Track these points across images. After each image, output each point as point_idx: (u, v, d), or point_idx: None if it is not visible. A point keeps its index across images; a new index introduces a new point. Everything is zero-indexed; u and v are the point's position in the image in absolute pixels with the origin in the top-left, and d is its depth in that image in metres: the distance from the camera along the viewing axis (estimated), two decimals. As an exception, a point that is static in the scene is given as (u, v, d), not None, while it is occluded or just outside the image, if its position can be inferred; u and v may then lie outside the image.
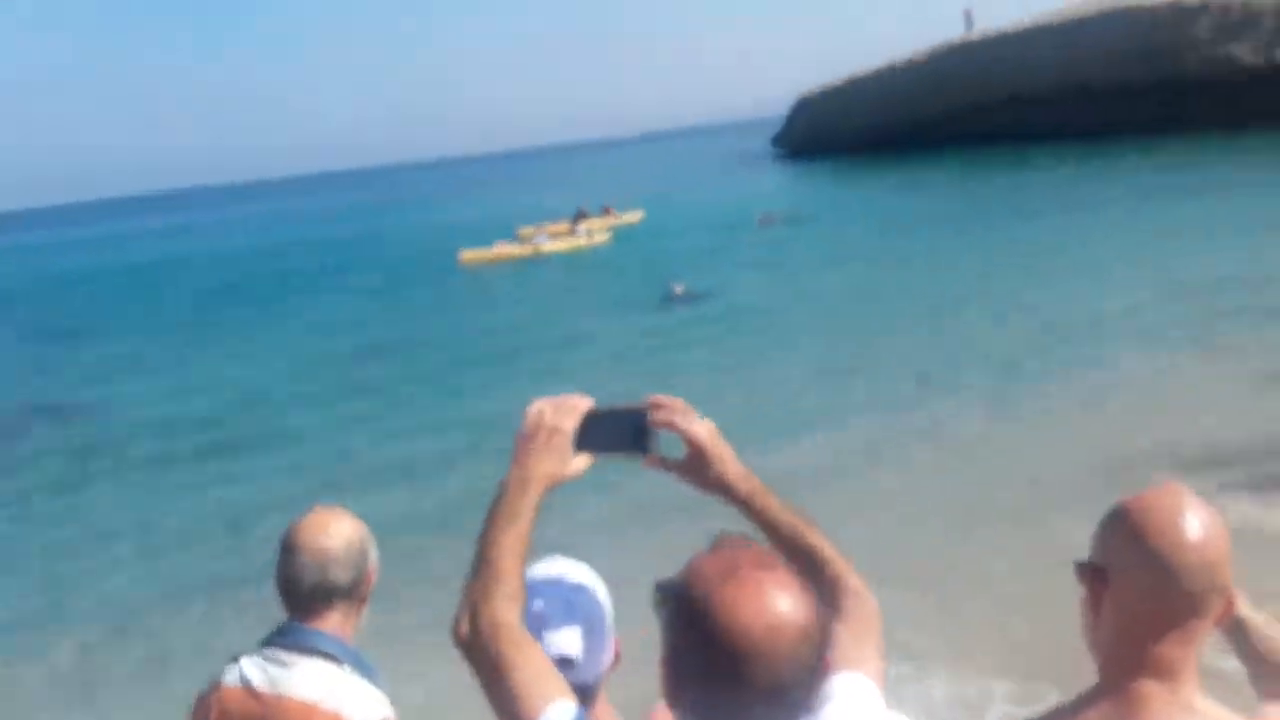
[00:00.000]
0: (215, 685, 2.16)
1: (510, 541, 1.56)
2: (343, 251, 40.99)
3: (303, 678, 2.09)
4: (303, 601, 2.14)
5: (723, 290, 20.05)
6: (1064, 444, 9.19)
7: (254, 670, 2.12)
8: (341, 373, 16.80)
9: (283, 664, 2.11)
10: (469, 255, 30.81)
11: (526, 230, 33.50)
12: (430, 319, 21.45)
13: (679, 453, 1.68)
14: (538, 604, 1.69)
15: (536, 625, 1.65)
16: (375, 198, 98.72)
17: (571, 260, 30.03)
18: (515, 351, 16.73)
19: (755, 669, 1.23)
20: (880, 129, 55.84)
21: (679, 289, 19.89)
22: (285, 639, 2.14)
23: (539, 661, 1.47)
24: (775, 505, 1.65)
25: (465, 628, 1.51)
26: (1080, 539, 1.59)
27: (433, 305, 23.65)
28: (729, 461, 1.66)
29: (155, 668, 7.20)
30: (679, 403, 1.68)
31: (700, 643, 1.26)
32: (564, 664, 1.64)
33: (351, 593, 2.16)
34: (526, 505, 1.59)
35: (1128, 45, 43.74)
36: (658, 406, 1.67)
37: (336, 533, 2.16)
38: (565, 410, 1.67)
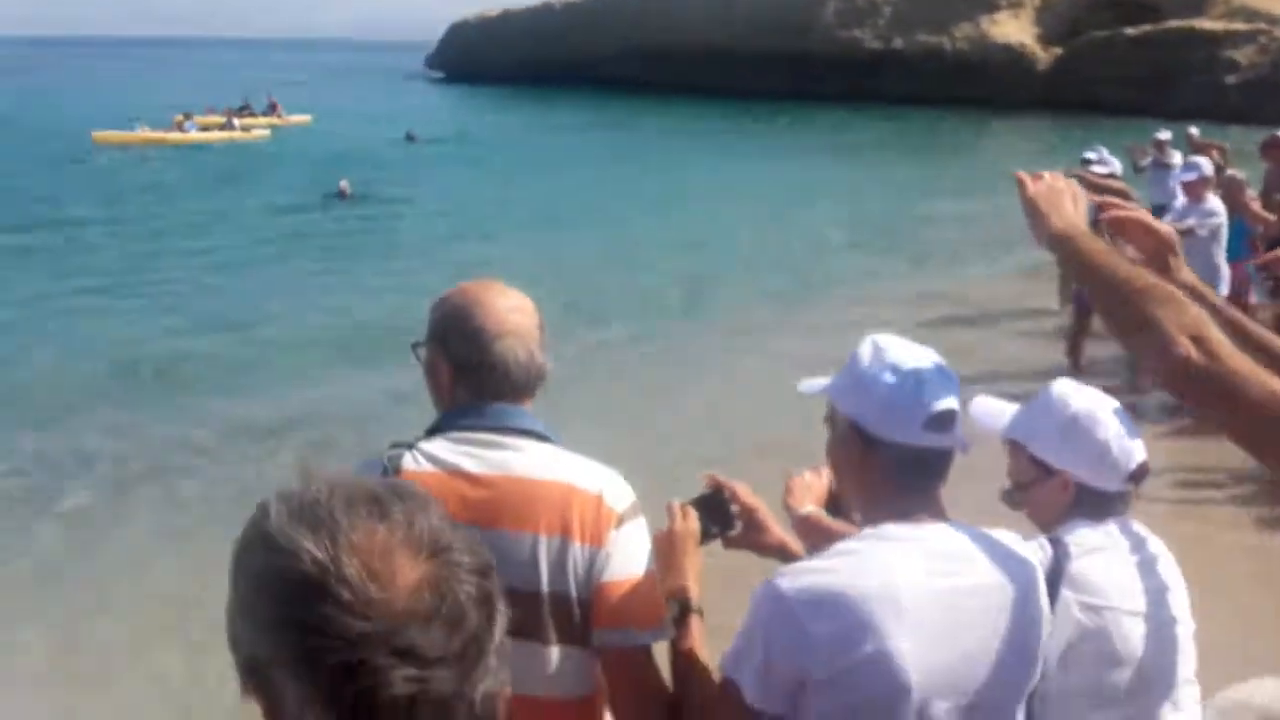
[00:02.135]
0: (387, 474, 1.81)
1: None
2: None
3: (538, 458, 1.84)
4: (505, 385, 1.89)
5: (384, 195, 20.71)
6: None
7: (455, 455, 1.83)
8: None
9: (502, 445, 1.84)
10: (103, 136, 28.73)
11: (178, 118, 31.72)
12: (50, 202, 19.63)
13: None
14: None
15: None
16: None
17: (226, 151, 28.90)
18: (154, 234, 16.55)
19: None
20: (532, 64, 58.02)
21: (345, 187, 20.21)
22: (491, 421, 1.88)
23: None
24: None
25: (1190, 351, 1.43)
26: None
27: (56, 187, 21.58)
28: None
29: None
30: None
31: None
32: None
33: (545, 379, 1.96)
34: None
35: (769, 18, 48.64)
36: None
37: (530, 311, 1.96)
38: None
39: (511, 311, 1.92)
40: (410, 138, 31.70)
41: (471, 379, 1.90)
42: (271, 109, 36.97)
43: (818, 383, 1.79)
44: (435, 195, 21.36)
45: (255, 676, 0.91)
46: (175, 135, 30.17)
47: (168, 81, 65.72)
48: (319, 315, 11.65)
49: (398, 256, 15.00)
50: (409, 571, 0.88)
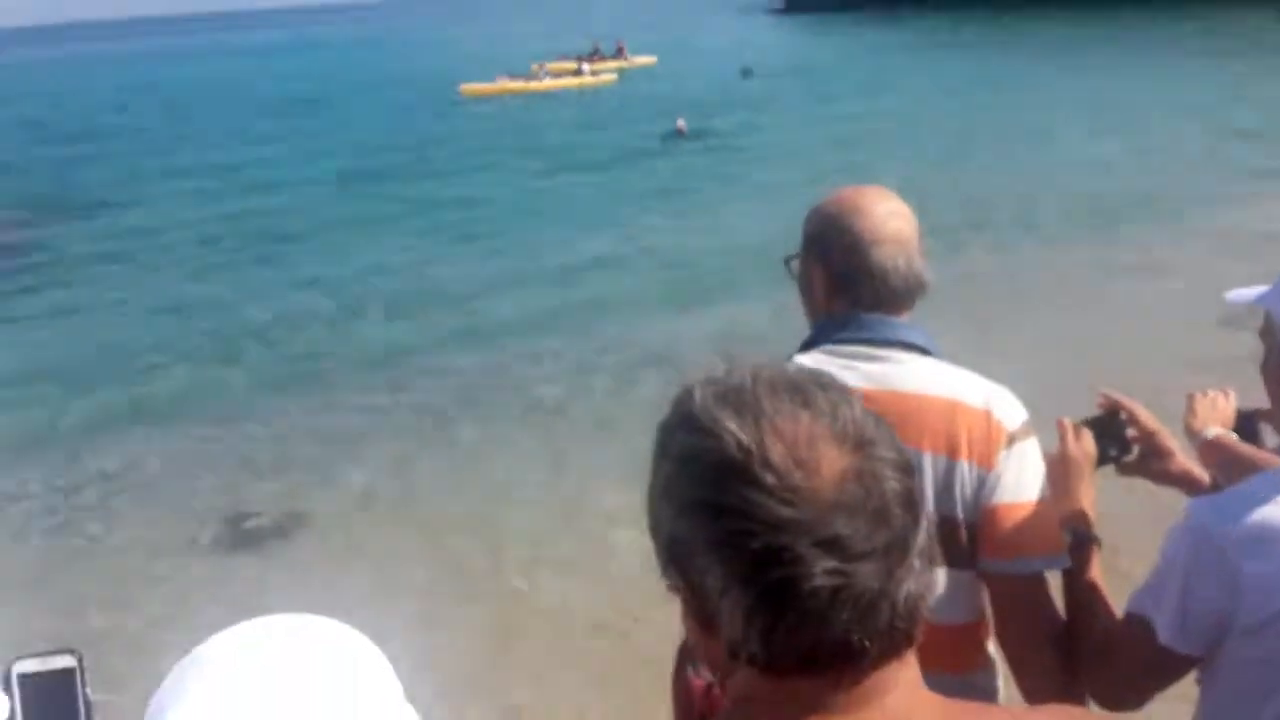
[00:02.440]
0: None
1: None
2: (341, 80, 40.95)
3: (921, 372, 1.73)
4: (884, 294, 1.78)
5: (719, 132, 20.88)
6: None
7: (833, 368, 1.68)
8: (349, 192, 17.53)
9: (881, 359, 1.74)
10: (469, 88, 31.15)
11: (534, 66, 33.79)
12: (431, 147, 21.97)
13: None
14: None
15: None
16: (366, 31, 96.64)
17: (576, 97, 30.48)
18: (515, 174, 17.73)
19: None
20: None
21: (682, 124, 20.64)
22: (869, 332, 1.78)
23: None
24: None
25: None
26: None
27: (434, 134, 24.08)
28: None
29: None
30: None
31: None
32: None
33: (925, 289, 1.84)
34: None
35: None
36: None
37: (910, 217, 1.84)
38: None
39: (891, 217, 1.81)
40: (746, 72, 31.75)
41: (849, 288, 1.79)
42: (618, 52, 38.39)
43: (1249, 292, 1.56)
44: (770, 130, 21.34)
45: (676, 560, 0.91)
46: (533, 84, 32.10)
47: (519, 31, 70.33)
48: (666, 250, 12.03)
49: (732, 191, 15.15)
50: (834, 461, 0.86)
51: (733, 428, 0.87)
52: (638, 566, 4.54)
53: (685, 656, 1.63)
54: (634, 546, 4.94)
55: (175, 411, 8.18)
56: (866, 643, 0.86)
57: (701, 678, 1.55)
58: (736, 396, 0.89)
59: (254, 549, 5.95)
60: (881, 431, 0.90)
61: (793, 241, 1.92)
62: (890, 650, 0.88)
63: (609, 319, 9.50)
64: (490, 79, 32.04)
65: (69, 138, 27.38)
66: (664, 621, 1.50)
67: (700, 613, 0.91)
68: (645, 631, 4.50)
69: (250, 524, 6.21)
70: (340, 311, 10.51)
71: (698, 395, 0.91)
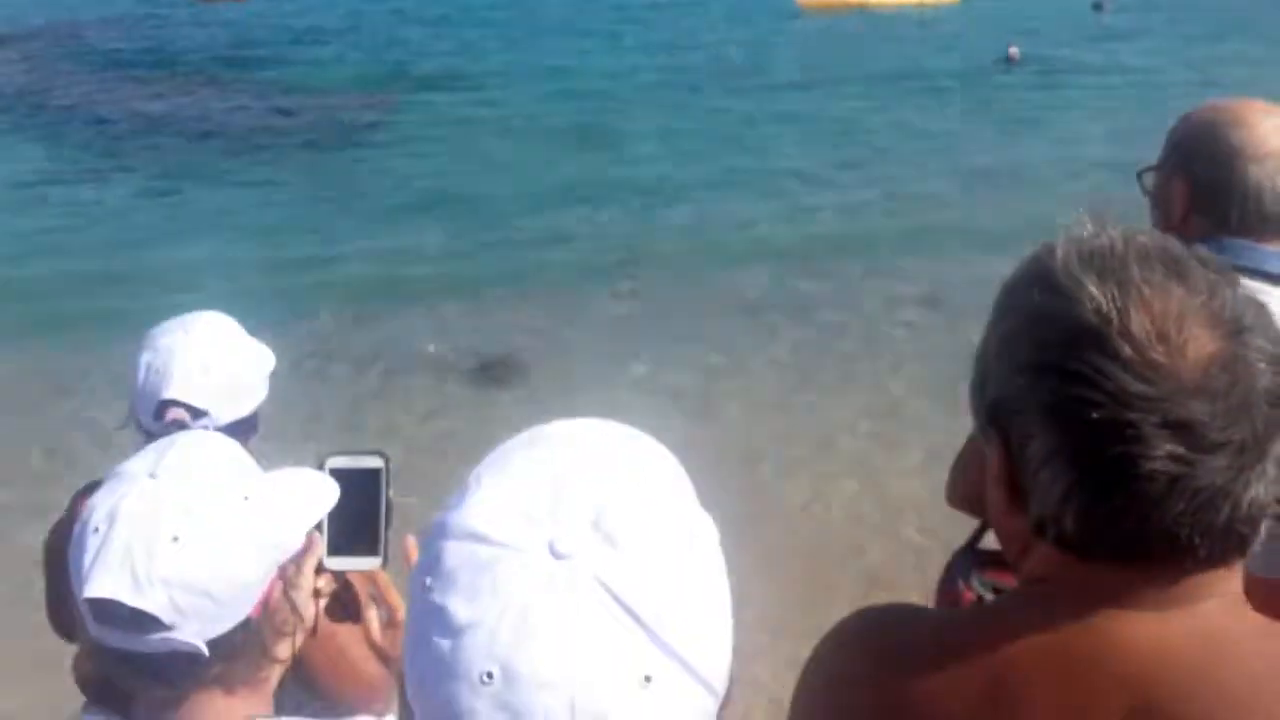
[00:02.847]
0: None
1: None
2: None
3: None
4: (1254, 218, 1.64)
5: (1053, 64, 20.18)
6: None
7: None
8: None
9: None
10: (808, 1, 31.21)
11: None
12: (769, 56, 22.61)
13: None
14: None
15: None
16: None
17: (913, 15, 29.89)
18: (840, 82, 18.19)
19: None
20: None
21: (1014, 53, 20.06)
22: (1234, 259, 1.60)
23: None
24: None
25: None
26: None
27: (773, 44, 24.66)
28: None
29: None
30: None
31: None
32: None
33: None
34: None
35: None
36: None
37: None
38: None
39: (1276, 133, 1.64)
40: (1098, 7, 29.76)
41: (1214, 206, 1.64)
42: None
43: None
44: (1112, 66, 20.17)
45: (998, 419, 0.87)
46: (871, 1, 31.64)
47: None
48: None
49: (1058, 123, 14.93)
50: (1203, 343, 0.81)
51: (1094, 291, 0.82)
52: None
53: (955, 565, 1.55)
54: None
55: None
56: (1196, 539, 0.80)
57: (971, 589, 1.49)
58: (1103, 259, 0.84)
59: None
60: (1262, 319, 0.84)
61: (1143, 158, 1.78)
62: (1219, 555, 0.82)
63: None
64: (829, -8, 31.88)
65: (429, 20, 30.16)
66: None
67: (1009, 480, 0.87)
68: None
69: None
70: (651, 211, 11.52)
71: (1059, 253, 0.87)
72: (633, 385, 7.17)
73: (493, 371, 7.60)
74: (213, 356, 2.00)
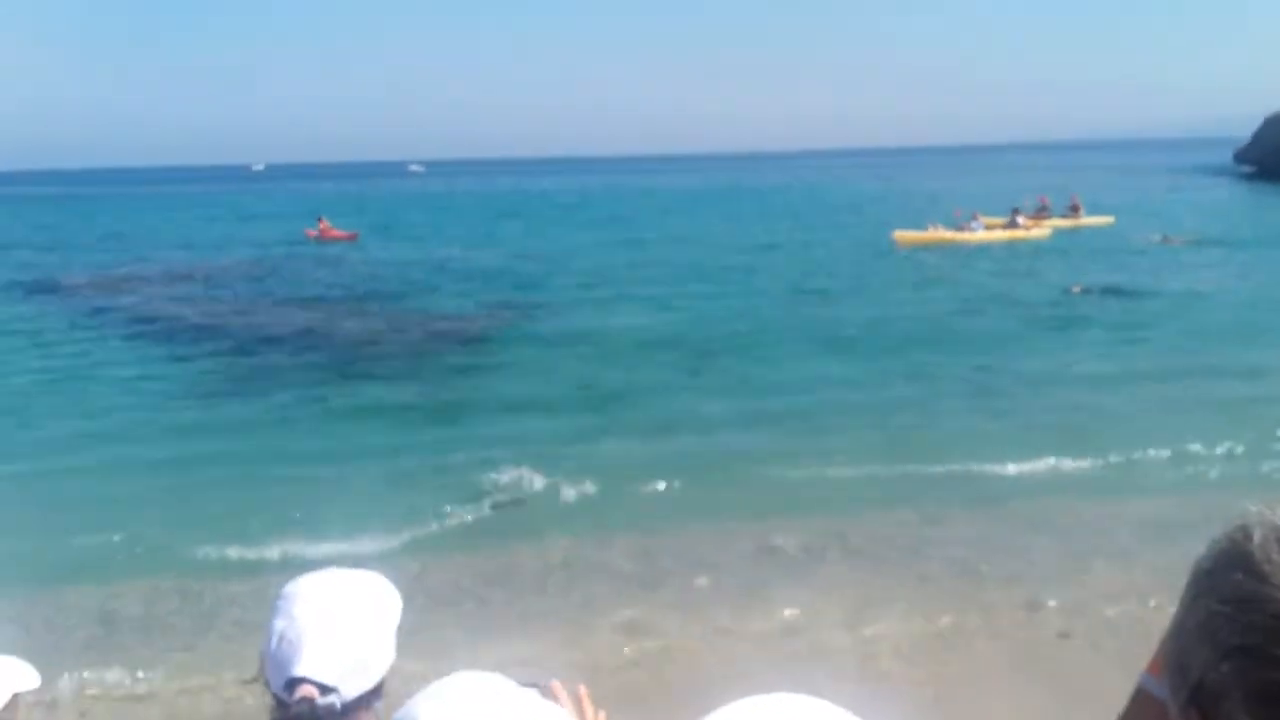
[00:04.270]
0: None
1: None
2: (782, 225, 44.60)
3: None
4: None
5: (1118, 292, 21.95)
6: None
7: None
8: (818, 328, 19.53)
9: None
10: (903, 236, 33.10)
11: (958, 213, 35.32)
12: (866, 293, 23.81)
13: None
14: None
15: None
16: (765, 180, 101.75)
17: (1005, 249, 31.54)
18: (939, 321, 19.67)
19: None
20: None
21: (1076, 289, 22.33)
22: None
23: None
24: None
25: None
26: None
27: (871, 281, 25.86)
28: None
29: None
30: None
31: None
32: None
33: None
34: None
35: None
36: None
37: None
38: None
39: None
40: (1166, 239, 31.82)
41: None
42: (1073, 210, 39.03)
43: None
44: (1173, 296, 21.69)
45: (1202, 705, 0.86)
46: (964, 235, 33.44)
47: (962, 185, 71.58)
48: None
49: (1124, 345, 16.38)
50: None
51: None
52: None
53: None
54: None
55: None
56: None
57: None
58: None
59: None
60: None
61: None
62: None
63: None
64: (922, 227, 33.82)
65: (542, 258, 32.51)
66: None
67: None
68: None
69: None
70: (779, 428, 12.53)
71: (1257, 536, 0.86)
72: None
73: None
74: (346, 630, 1.99)
